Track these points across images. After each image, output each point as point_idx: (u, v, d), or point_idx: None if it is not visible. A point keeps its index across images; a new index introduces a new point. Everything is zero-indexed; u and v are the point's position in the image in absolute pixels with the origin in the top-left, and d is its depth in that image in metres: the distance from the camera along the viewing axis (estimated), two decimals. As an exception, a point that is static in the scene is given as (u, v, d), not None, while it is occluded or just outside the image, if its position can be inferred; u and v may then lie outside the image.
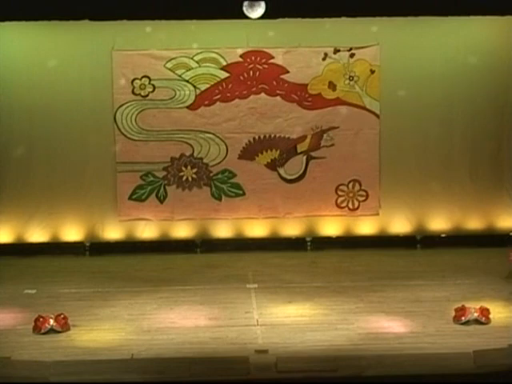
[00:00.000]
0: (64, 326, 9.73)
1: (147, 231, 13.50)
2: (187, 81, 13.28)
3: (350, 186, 13.60)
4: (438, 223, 13.60)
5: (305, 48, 13.21)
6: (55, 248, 13.15)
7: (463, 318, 9.79)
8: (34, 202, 13.17)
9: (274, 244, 13.55)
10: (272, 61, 13.28)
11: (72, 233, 13.38)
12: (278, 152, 13.54)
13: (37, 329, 9.68)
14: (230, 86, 13.32)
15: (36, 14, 10.96)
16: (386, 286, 11.39)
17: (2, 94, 12.97)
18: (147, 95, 13.27)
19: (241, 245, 13.55)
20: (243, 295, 11.18)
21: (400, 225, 13.63)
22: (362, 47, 13.25)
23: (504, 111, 13.41)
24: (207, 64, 13.25)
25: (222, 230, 13.61)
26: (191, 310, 10.57)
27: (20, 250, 13.17)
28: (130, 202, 13.43)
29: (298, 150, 13.53)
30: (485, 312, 9.87)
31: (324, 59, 13.29)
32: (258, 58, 13.27)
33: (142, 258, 12.94)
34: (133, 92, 13.25)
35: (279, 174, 13.59)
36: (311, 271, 12.32)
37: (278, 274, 12.15)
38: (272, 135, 13.48)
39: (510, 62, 13.19)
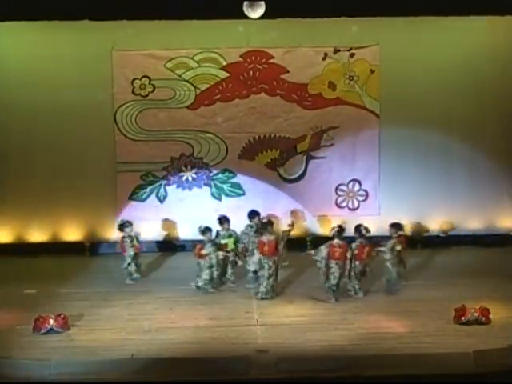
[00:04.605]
0: (64, 325, 9.73)
1: (147, 231, 13.49)
2: (187, 81, 13.28)
3: (350, 185, 13.61)
4: (438, 223, 13.60)
5: (305, 48, 13.22)
6: (55, 248, 13.13)
7: (463, 318, 9.79)
8: (35, 203, 13.18)
9: (274, 244, 13.52)
10: (272, 61, 13.28)
11: (72, 233, 13.38)
12: (278, 152, 13.54)
13: (37, 329, 9.67)
14: (229, 85, 13.33)
15: (36, 14, 11.01)
16: (386, 286, 11.39)
17: (1, 94, 12.98)
18: (147, 95, 13.28)
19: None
20: (243, 295, 11.18)
21: (400, 225, 13.63)
22: (362, 47, 13.26)
23: (504, 111, 13.41)
24: (207, 64, 13.26)
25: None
26: (191, 309, 10.57)
27: (20, 249, 13.17)
28: (130, 202, 13.45)
29: (298, 150, 13.53)
30: (485, 312, 9.86)
31: (324, 59, 13.29)
32: (258, 58, 13.27)
33: (142, 258, 12.89)
34: (133, 92, 13.26)
35: (279, 174, 13.60)
36: (311, 271, 12.29)
37: (278, 274, 12.12)
38: (272, 135, 13.48)
39: (510, 62, 13.21)
